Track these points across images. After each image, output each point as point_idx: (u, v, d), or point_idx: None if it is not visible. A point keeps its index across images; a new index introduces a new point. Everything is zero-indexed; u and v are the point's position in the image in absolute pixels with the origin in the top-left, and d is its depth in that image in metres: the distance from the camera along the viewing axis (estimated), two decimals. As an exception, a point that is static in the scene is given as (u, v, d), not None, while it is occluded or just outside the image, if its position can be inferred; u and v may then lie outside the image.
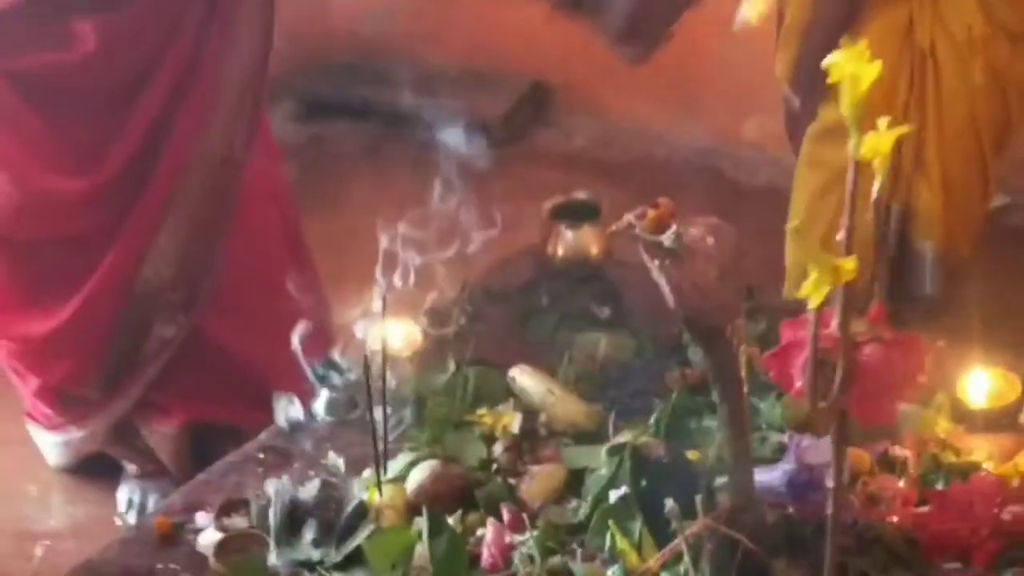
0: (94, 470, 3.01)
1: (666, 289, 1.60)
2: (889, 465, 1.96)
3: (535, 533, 1.80)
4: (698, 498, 1.73)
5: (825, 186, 2.70)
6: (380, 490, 1.88)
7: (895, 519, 1.78)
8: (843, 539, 1.73)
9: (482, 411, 2.06)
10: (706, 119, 3.94)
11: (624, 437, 1.93)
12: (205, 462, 2.16)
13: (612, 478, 1.83)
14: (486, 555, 1.77)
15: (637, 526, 1.77)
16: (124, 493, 2.98)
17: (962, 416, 2.06)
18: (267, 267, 2.78)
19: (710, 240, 1.65)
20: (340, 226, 3.43)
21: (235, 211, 2.71)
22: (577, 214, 2.45)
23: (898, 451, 2.00)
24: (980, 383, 2.07)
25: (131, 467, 2.97)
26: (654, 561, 1.70)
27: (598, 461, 1.97)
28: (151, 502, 2.88)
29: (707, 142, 4.03)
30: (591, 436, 2.05)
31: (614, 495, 1.79)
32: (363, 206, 2.97)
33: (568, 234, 2.41)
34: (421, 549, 1.79)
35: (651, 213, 1.63)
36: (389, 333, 2.19)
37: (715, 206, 2.04)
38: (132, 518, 2.88)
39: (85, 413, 2.88)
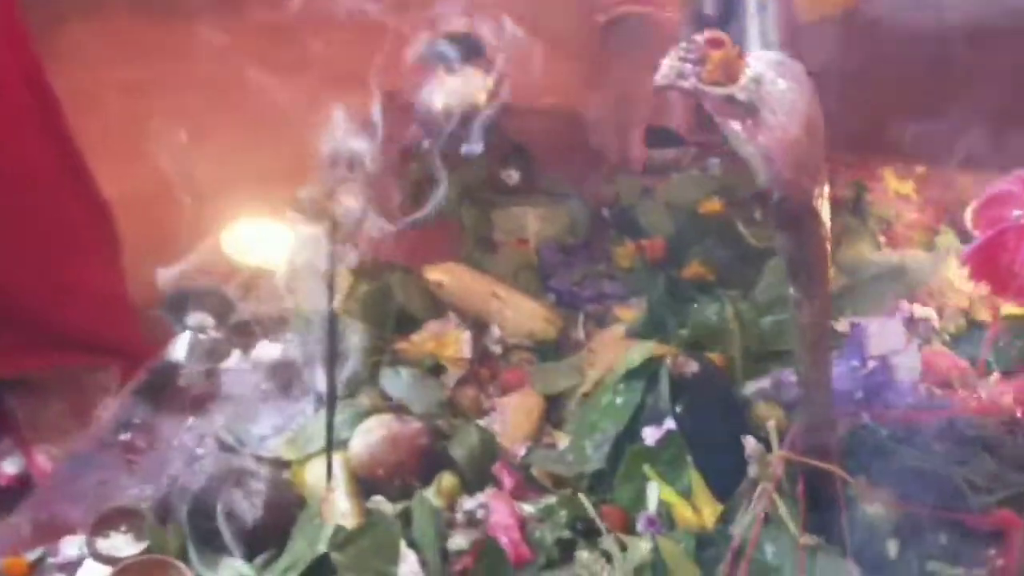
0: None
1: (755, 160, 1.15)
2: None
3: (556, 498, 1.35)
4: (770, 424, 1.33)
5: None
6: (330, 470, 1.37)
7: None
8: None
9: (417, 335, 1.57)
10: None
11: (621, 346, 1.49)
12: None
13: (638, 409, 1.39)
14: (505, 542, 1.31)
15: (685, 471, 1.35)
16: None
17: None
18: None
19: (781, 84, 1.20)
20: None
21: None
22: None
23: (918, 310, 1.65)
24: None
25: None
26: (750, 519, 1.27)
27: (578, 379, 1.53)
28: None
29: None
30: (555, 347, 1.60)
31: (652, 433, 1.36)
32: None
33: (449, 79, 1.89)
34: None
35: (714, 55, 1.15)
36: (260, 237, 1.67)
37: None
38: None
39: None
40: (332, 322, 1.35)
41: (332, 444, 1.37)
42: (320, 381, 1.53)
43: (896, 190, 1.82)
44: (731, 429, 1.37)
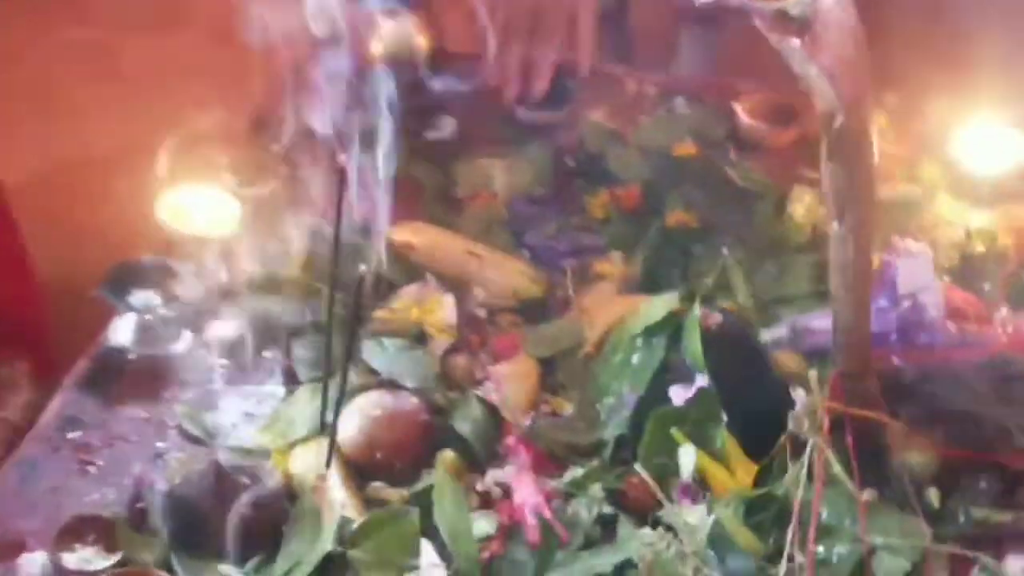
0: None
1: (818, 81, 1.03)
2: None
3: (581, 471, 1.22)
4: (812, 374, 1.22)
5: None
6: (331, 456, 1.21)
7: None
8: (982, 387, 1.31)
9: (399, 303, 1.42)
10: None
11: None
12: None
13: (660, 369, 1.27)
14: (531, 523, 1.18)
15: (717, 431, 1.23)
16: None
17: (959, 188, 1.66)
18: None
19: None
20: None
21: None
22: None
23: (913, 245, 1.57)
24: (979, 142, 1.66)
25: None
26: (796, 477, 1.16)
27: (574, 339, 1.40)
28: None
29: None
30: (541, 307, 1.47)
31: (680, 393, 1.24)
32: None
33: (387, 24, 1.73)
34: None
35: (763, -34, 1.04)
36: (200, 204, 1.50)
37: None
38: None
39: None
40: (359, 287, 1.18)
41: (336, 425, 1.22)
42: (280, 359, 1.39)
43: (868, 124, 1.74)
44: (762, 383, 1.27)
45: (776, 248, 1.47)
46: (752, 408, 1.25)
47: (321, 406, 1.23)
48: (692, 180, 1.59)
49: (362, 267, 1.14)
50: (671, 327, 1.27)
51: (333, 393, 1.26)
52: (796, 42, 1.01)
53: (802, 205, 1.51)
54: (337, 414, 1.25)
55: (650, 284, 1.43)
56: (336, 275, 1.21)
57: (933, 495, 1.26)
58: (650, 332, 1.28)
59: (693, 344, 1.23)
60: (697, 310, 1.24)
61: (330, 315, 1.23)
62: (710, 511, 1.17)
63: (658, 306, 1.28)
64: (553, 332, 1.42)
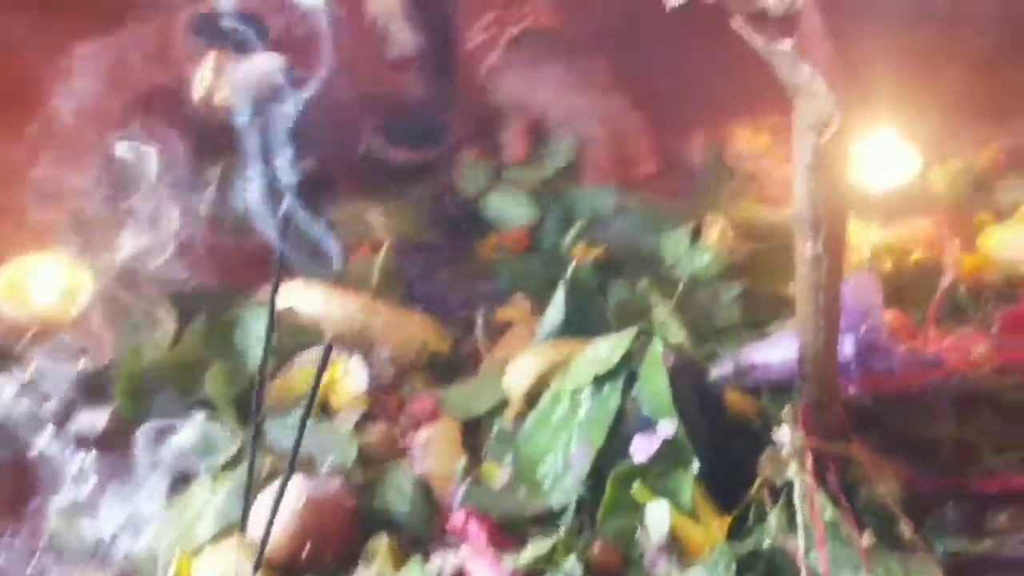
0: None
1: (812, 83, 0.92)
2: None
3: (546, 544, 1.07)
4: (789, 409, 1.11)
5: None
6: (262, 554, 1.03)
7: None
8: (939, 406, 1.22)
9: (291, 372, 1.24)
10: None
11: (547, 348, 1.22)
12: None
13: (618, 417, 1.13)
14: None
15: (684, 483, 1.10)
16: None
17: (856, 206, 1.58)
18: None
19: (795, -4, 0.98)
20: None
21: None
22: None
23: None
24: (872, 157, 1.59)
25: None
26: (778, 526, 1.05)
27: (497, 396, 1.26)
28: None
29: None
30: (451, 362, 1.32)
31: (644, 445, 1.10)
32: None
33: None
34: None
35: (735, -40, 0.93)
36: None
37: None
38: None
39: None
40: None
41: (247, 520, 1.04)
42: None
43: (750, 147, 1.66)
44: (721, 425, 1.15)
45: (697, 279, 1.37)
46: (716, 454, 1.13)
47: (244, 499, 1.05)
48: (586, 213, 1.47)
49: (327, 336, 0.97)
50: (623, 372, 1.14)
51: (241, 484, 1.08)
52: (787, 42, 0.90)
53: (715, 231, 1.41)
54: (248, 507, 1.07)
55: (572, 326, 1.30)
56: (268, 349, 1.03)
57: (905, 528, 1.17)
58: (600, 380, 1.15)
59: (658, 388, 1.10)
60: (659, 348, 1.11)
61: (261, 387, 1.05)
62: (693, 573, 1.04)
63: (609, 349, 1.15)
64: (472, 390, 1.27)
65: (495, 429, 1.23)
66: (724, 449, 1.14)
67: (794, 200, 1.03)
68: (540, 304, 1.38)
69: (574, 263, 1.34)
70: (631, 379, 1.13)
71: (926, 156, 1.58)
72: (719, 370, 1.25)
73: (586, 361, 1.16)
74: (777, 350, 1.22)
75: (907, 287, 1.44)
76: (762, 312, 1.31)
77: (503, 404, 1.24)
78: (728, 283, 1.36)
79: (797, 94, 0.94)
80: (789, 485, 1.08)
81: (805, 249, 1.04)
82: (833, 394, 1.14)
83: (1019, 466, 1.20)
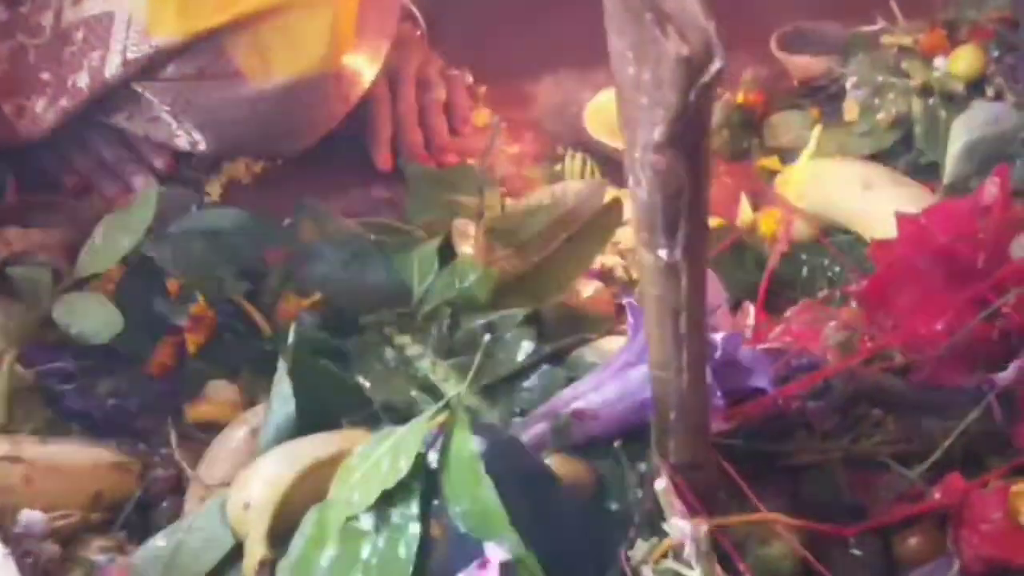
0: None
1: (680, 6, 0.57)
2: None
3: None
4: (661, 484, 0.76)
5: None
6: None
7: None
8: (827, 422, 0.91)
9: None
10: None
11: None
12: None
13: (419, 554, 0.75)
14: None
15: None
16: None
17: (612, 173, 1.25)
18: None
19: None
20: None
21: None
22: None
23: (604, 260, 1.15)
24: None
25: None
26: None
27: (220, 546, 0.85)
28: None
29: None
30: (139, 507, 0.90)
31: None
32: None
33: None
34: None
35: None
36: None
37: None
38: None
39: None
40: None
41: None
42: None
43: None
44: (558, 514, 0.80)
45: (461, 310, 1.00)
46: (562, 559, 0.78)
47: None
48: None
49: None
50: (418, 480, 0.76)
51: None
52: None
53: (469, 244, 1.04)
54: None
55: (307, 417, 0.91)
56: None
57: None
58: (387, 498, 0.76)
59: (478, 494, 0.73)
60: (467, 434, 0.74)
61: None
62: None
63: (392, 449, 0.76)
64: (179, 545, 0.86)
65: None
66: (566, 541, 0.79)
67: (631, 191, 0.68)
68: (253, 387, 0.99)
69: (293, 325, 0.95)
70: (431, 488, 0.76)
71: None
72: (530, 432, 0.89)
73: (359, 472, 0.77)
74: (608, 387, 0.89)
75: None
76: (562, 337, 0.96)
77: (235, 554, 0.85)
78: (506, 309, 1.00)
79: (660, 28, 0.58)
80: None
81: (653, 258, 0.70)
82: (706, 447, 0.81)
83: (925, 481, 0.91)
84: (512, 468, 0.78)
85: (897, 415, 0.91)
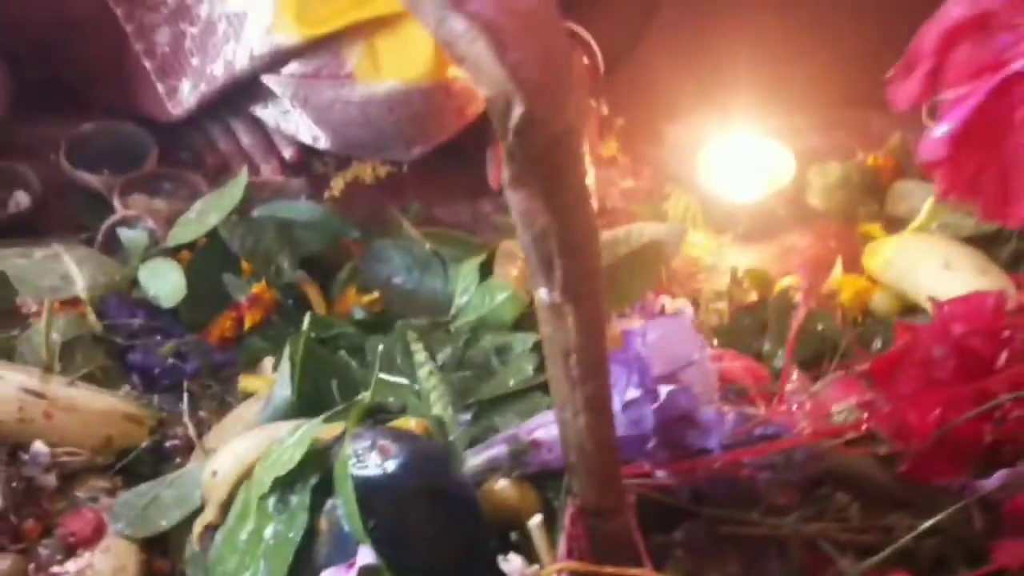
0: None
1: (480, 56, 0.60)
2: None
3: None
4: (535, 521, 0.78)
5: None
6: None
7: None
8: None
9: None
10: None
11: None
12: None
13: (304, 544, 0.80)
14: None
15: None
16: None
17: (715, 221, 1.26)
18: None
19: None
20: None
21: None
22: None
23: (670, 302, 1.16)
24: (732, 162, 1.26)
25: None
26: None
27: (189, 504, 0.93)
28: None
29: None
30: (151, 457, 0.99)
31: (339, 579, 0.77)
32: None
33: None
34: None
35: None
36: None
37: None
38: None
39: None
40: None
41: None
42: None
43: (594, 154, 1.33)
44: (468, 544, 0.82)
45: (485, 327, 1.03)
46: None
47: None
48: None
49: None
50: (313, 473, 0.81)
51: None
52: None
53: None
54: None
55: (307, 402, 0.97)
56: None
57: None
58: (285, 485, 0.82)
59: (346, 498, 0.77)
60: (348, 445, 0.78)
61: None
62: None
63: (292, 443, 0.82)
64: (155, 497, 0.94)
65: (187, 551, 0.91)
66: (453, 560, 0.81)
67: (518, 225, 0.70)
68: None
69: (307, 317, 1.02)
70: (329, 483, 0.80)
71: (801, 159, 1.27)
72: (488, 453, 0.91)
73: (272, 457, 0.82)
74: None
75: (774, 322, 1.12)
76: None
77: (198, 514, 0.92)
78: (525, 332, 1.03)
79: (472, 69, 0.61)
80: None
81: (539, 297, 0.72)
82: (616, 494, 0.81)
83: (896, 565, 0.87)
84: (424, 483, 0.81)
85: (865, 503, 0.88)
